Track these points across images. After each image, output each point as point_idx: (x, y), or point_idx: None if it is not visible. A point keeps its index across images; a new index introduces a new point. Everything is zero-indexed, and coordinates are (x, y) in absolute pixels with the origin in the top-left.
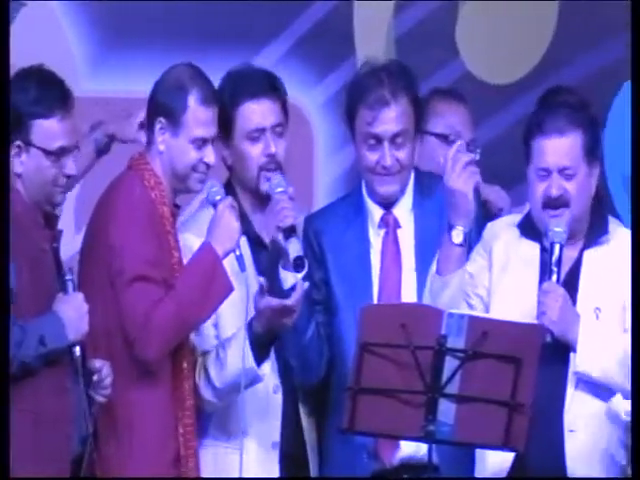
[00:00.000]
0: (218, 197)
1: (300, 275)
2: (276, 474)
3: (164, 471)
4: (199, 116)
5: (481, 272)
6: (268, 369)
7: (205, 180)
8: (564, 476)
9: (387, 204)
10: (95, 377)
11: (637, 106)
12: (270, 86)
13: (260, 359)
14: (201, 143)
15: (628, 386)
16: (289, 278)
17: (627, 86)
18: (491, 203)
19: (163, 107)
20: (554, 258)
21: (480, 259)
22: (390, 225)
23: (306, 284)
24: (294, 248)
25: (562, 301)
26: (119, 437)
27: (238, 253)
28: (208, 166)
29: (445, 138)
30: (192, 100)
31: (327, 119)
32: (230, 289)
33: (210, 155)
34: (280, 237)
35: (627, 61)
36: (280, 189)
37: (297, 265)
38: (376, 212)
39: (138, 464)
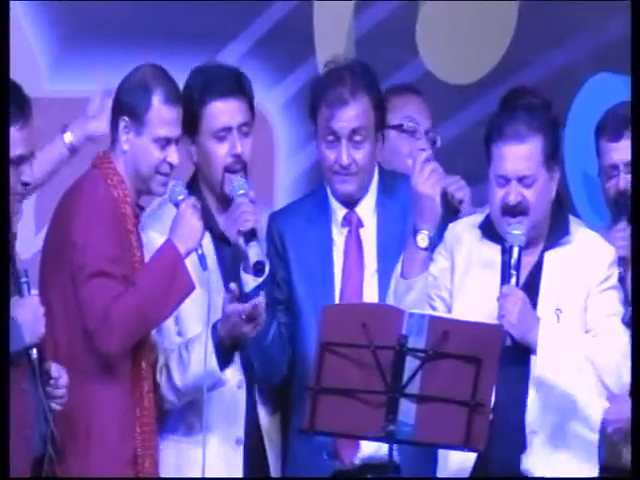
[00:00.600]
0: (181, 197)
1: (260, 279)
2: (239, 471)
3: (121, 471)
4: (163, 115)
5: (443, 274)
6: (230, 374)
7: (167, 183)
8: (525, 476)
9: (350, 203)
10: (52, 382)
11: (637, 106)
12: (238, 85)
13: (223, 364)
14: (165, 143)
15: (587, 386)
16: (249, 282)
17: (587, 86)
18: (451, 195)
19: (127, 106)
20: (513, 261)
21: (442, 260)
22: (353, 224)
23: (261, 298)
24: (254, 252)
25: (521, 304)
26: (77, 436)
27: (200, 252)
28: (172, 167)
29: (400, 127)
30: (156, 99)
31: (287, 119)
32: (191, 287)
33: (173, 155)
34: (241, 241)
35: (587, 61)
36: (241, 191)
37: (257, 270)
38: (339, 211)
39: (95, 463)
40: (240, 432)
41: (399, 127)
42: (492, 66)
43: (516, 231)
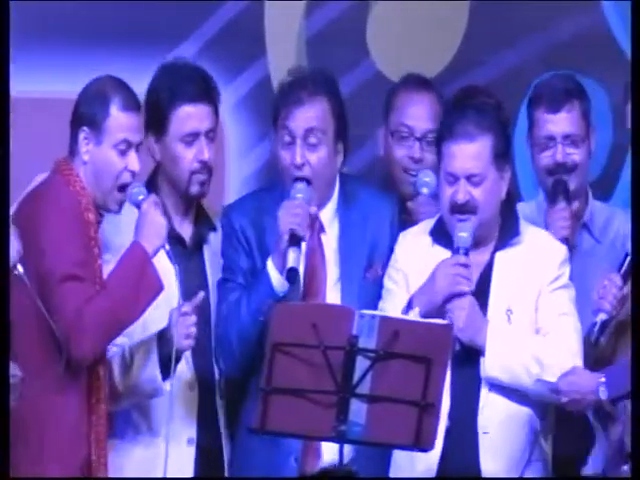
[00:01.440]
0: (141, 197)
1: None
2: (190, 471)
3: (72, 474)
4: (121, 122)
5: (398, 291)
6: (183, 376)
7: (123, 203)
8: (480, 477)
9: (307, 201)
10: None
11: (637, 105)
12: (207, 90)
13: (166, 374)
14: (124, 148)
15: (536, 387)
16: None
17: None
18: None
19: (86, 116)
20: None
21: (395, 275)
22: (315, 228)
23: (202, 293)
24: (293, 258)
25: (469, 308)
26: (29, 439)
27: (168, 248)
28: (133, 175)
29: (392, 133)
30: (114, 108)
31: (238, 119)
32: (160, 288)
33: (134, 162)
34: (285, 237)
35: (537, 61)
36: (299, 194)
37: (289, 276)
38: None
39: (46, 466)
40: (192, 433)
41: (392, 134)
42: (443, 66)
43: (462, 233)
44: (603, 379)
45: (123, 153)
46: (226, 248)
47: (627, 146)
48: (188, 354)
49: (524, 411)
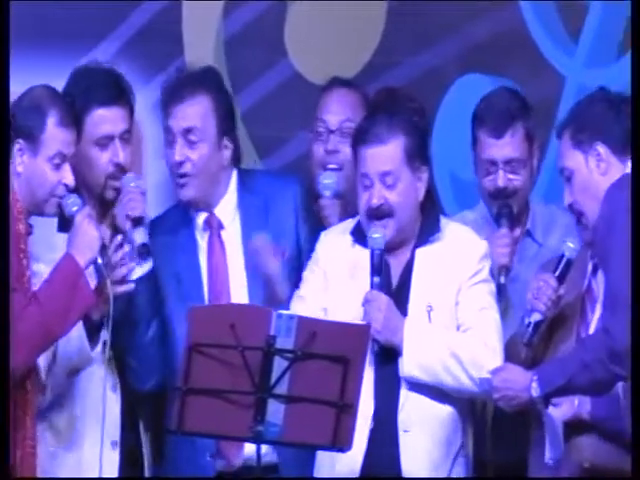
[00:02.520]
0: (75, 208)
1: (147, 266)
2: (115, 474)
3: None
4: (58, 137)
5: (317, 292)
6: (104, 376)
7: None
8: (401, 477)
9: (208, 206)
10: None
11: (637, 104)
12: (121, 92)
13: (92, 342)
14: (59, 161)
15: (456, 384)
16: (136, 270)
17: (455, 86)
18: None
19: (21, 129)
20: (375, 266)
21: (313, 277)
22: (214, 227)
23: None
24: (140, 236)
25: (385, 309)
26: None
27: (100, 262)
28: (67, 188)
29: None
30: (50, 121)
31: (156, 120)
32: (93, 300)
33: (69, 176)
34: (128, 226)
35: (455, 61)
36: (132, 184)
37: (141, 253)
38: (199, 215)
39: None
40: (116, 435)
41: (312, 132)
42: (361, 66)
43: (375, 235)
44: (535, 376)
45: (57, 167)
46: None
47: (545, 144)
48: (112, 359)
49: (445, 409)
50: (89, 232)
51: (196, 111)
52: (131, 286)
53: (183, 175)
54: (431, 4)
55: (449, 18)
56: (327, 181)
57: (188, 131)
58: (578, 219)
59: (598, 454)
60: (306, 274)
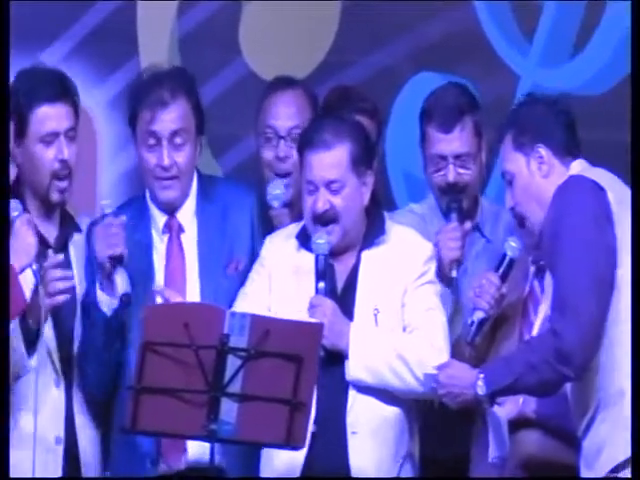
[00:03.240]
0: (15, 213)
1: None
2: (59, 471)
3: None
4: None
5: (261, 292)
6: (47, 373)
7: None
8: (349, 476)
9: (170, 209)
10: None
11: (637, 105)
12: (65, 89)
13: (32, 350)
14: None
15: (403, 386)
16: (105, 302)
17: (408, 85)
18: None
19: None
20: (320, 271)
21: (259, 277)
22: (174, 230)
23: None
24: (122, 282)
25: (330, 314)
26: None
27: (35, 267)
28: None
29: (260, 136)
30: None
31: (110, 119)
32: (24, 304)
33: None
34: (107, 264)
35: (409, 60)
36: (108, 210)
37: (123, 302)
38: (159, 218)
39: None
40: (59, 431)
41: (259, 136)
42: (315, 66)
43: (320, 240)
44: (481, 374)
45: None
46: (87, 267)
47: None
48: (55, 355)
49: (393, 410)
50: (26, 239)
51: (180, 114)
52: (61, 299)
53: (170, 178)
54: (385, 4)
55: (403, 18)
56: (275, 192)
57: (174, 134)
58: (520, 222)
59: (543, 452)
60: (251, 274)
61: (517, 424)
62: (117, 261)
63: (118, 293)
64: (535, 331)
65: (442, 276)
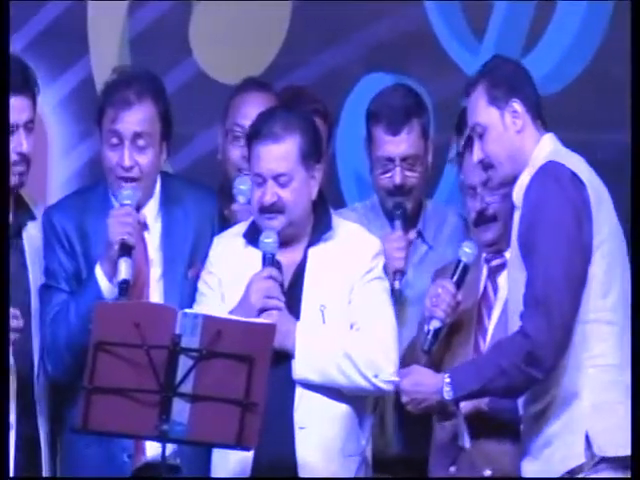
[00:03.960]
0: None
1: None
2: (10, 470)
3: None
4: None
5: (212, 295)
6: None
7: None
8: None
9: (137, 208)
10: None
11: (637, 106)
12: (26, 81)
13: None
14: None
15: (350, 384)
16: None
17: (359, 85)
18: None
19: None
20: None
21: (209, 279)
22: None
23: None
24: (125, 269)
25: (276, 312)
26: None
27: None
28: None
29: (227, 134)
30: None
31: (61, 117)
32: None
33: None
34: (116, 248)
35: (360, 60)
36: (127, 201)
37: (121, 288)
38: None
39: None
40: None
41: (227, 134)
42: (265, 65)
43: (267, 239)
44: (448, 379)
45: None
46: (48, 251)
47: (448, 144)
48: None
49: (342, 407)
50: None
51: (145, 116)
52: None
53: (131, 179)
54: (336, 4)
55: (354, 18)
56: (243, 187)
57: (137, 136)
58: (486, 168)
59: (500, 460)
60: (203, 274)
61: (475, 430)
62: (126, 249)
63: (118, 279)
64: (489, 335)
65: None
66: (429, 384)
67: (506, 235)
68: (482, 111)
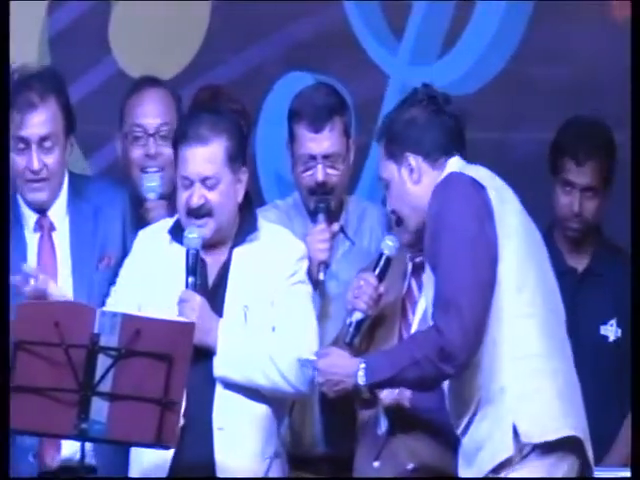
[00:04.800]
0: None
1: None
2: None
3: None
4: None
5: (131, 288)
6: None
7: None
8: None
9: (41, 209)
10: None
11: (637, 106)
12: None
13: None
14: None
15: (271, 385)
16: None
17: (278, 84)
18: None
19: None
20: (190, 266)
21: (128, 274)
22: (45, 228)
23: None
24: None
25: (199, 309)
26: None
27: None
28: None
29: (126, 136)
30: None
31: None
32: None
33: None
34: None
35: (280, 59)
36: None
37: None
38: (31, 216)
39: None
40: None
41: (126, 135)
42: (185, 64)
43: (191, 235)
44: (363, 364)
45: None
46: None
47: (370, 142)
48: None
49: (261, 408)
50: None
51: (49, 116)
52: None
53: (39, 180)
54: (255, 3)
55: (273, 17)
56: (151, 184)
57: (44, 139)
58: (398, 222)
59: (423, 454)
60: (122, 270)
61: (398, 425)
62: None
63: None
64: (413, 329)
65: (310, 278)
66: (344, 366)
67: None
68: (383, 167)
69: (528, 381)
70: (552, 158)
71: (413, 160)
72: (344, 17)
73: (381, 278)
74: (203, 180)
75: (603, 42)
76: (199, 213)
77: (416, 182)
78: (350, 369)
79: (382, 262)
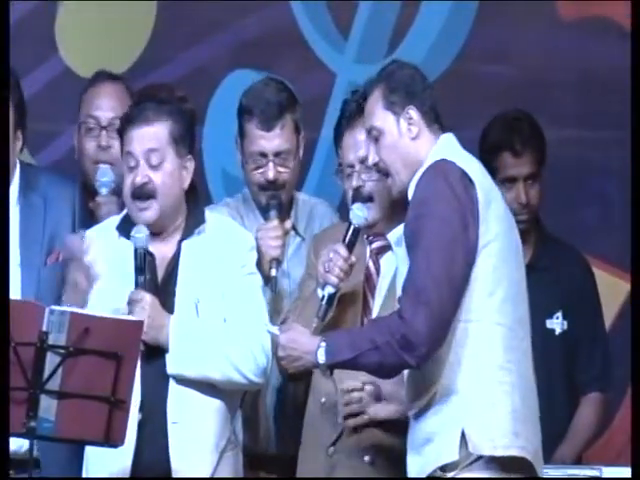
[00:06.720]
0: None
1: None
2: None
3: None
4: None
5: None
6: None
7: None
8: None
9: None
10: None
11: (637, 107)
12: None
13: None
14: None
15: (224, 379)
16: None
17: (225, 82)
18: None
19: None
20: (139, 265)
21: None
22: None
23: None
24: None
25: (149, 308)
26: None
27: None
28: None
29: (80, 126)
30: None
31: None
32: None
33: None
34: None
35: (226, 57)
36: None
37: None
38: None
39: None
40: None
41: (80, 127)
42: (131, 62)
43: (139, 234)
44: (323, 343)
45: None
46: None
47: (317, 139)
48: None
49: (215, 402)
50: None
51: None
52: None
53: None
54: (200, 4)
55: (220, 15)
56: (104, 179)
57: None
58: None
59: (379, 447)
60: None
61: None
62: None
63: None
64: (374, 314)
65: (262, 275)
66: (304, 343)
67: (385, 219)
68: (378, 115)
69: (484, 392)
70: (488, 160)
71: (414, 113)
72: (291, 15)
73: (350, 248)
74: (148, 156)
75: (549, 42)
76: (142, 193)
77: (414, 138)
78: (310, 346)
79: (351, 232)
